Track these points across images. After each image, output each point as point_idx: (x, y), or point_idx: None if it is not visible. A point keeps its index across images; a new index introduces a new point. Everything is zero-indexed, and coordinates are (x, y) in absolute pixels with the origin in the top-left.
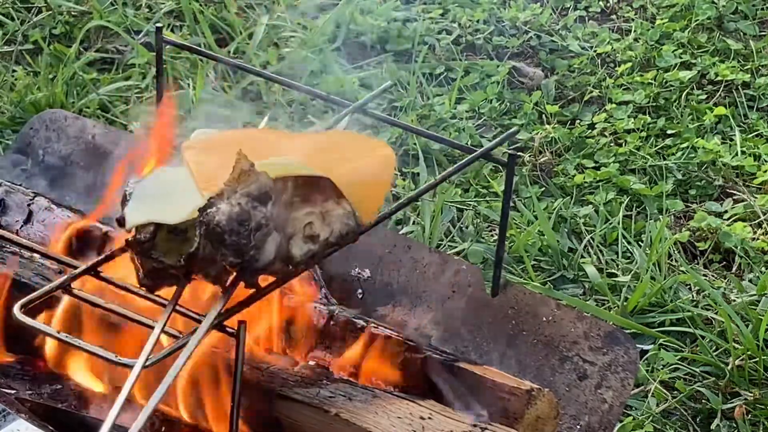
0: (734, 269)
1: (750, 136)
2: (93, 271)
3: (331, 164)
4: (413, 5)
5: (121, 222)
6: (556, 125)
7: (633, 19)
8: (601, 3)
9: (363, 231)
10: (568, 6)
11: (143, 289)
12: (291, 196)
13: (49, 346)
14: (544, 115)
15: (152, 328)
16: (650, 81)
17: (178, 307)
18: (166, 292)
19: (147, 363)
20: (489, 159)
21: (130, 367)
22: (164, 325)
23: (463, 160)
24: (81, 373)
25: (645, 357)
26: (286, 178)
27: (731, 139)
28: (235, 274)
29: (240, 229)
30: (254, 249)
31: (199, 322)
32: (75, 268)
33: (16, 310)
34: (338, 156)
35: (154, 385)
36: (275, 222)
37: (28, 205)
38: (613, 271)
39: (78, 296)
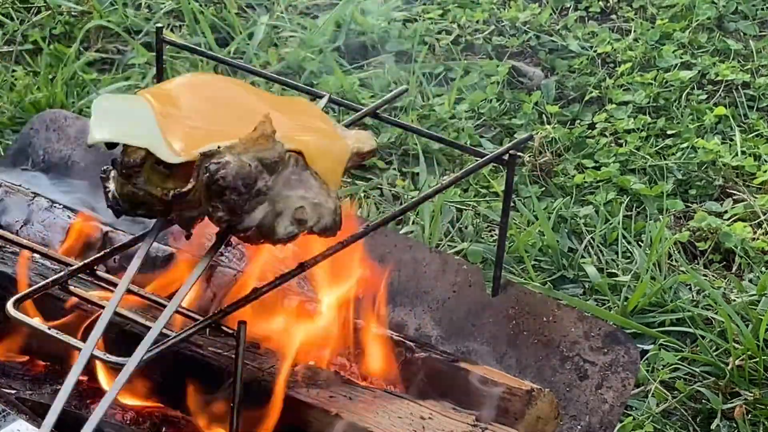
0: (734, 269)
1: (750, 136)
2: (89, 269)
3: (298, 131)
4: (413, 5)
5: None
6: (556, 125)
7: (633, 19)
8: (601, 3)
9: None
10: (568, 6)
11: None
12: (290, 173)
13: None
14: (544, 115)
15: (149, 327)
16: (650, 81)
17: (179, 308)
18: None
19: (139, 363)
20: (489, 159)
21: (121, 366)
22: (165, 324)
23: (473, 165)
24: None
25: (645, 357)
26: (291, 152)
27: (731, 139)
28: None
29: (243, 189)
30: (245, 212)
31: (195, 320)
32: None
33: (9, 305)
34: (304, 124)
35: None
36: (271, 193)
37: (28, 205)
38: (613, 271)
39: (73, 293)
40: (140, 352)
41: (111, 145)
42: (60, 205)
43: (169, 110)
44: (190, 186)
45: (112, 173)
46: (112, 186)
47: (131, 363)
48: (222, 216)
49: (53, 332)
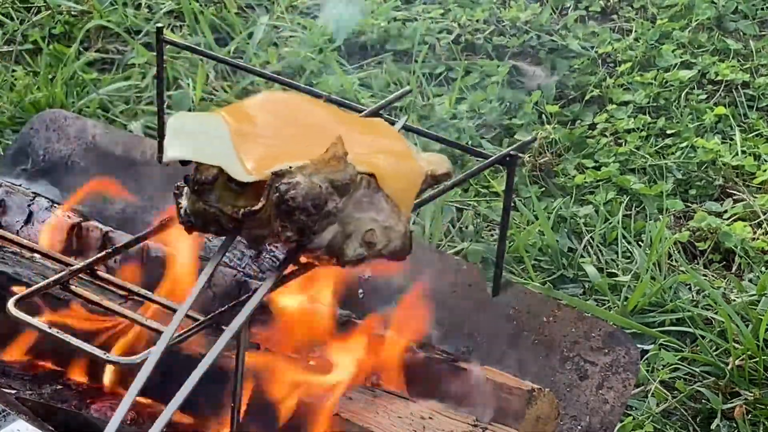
0: (734, 269)
1: (750, 135)
2: (89, 269)
3: (376, 155)
4: (413, 5)
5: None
6: (556, 125)
7: (633, 19)
8: (601, 3)
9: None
10: (569, 6)
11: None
12: (362, 195)
13: None
14: (544, 115)
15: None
16: (650, 81)
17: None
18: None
19: (137, 360)
20: (492, 162)
21: (121, 365)
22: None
23: (474, 168)
24: None
25: (645, 357)
26: (363, 174)
27: (731, 139)
28: (285, 253)
29: (312, 210)
30: (314, 233)
31: (195, 320)
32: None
33: (10, 305)
34: (380, 146)
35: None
36: (341, 215)
37: (28, 205)
38: (613, 270)
39: (74, 292)
40: (155, 356)
41: (184, 162)
42: (60, 205)
43: (245, 128)
44: (260, 205)
45: (185, 190)
46: (184, 202)
47: (149, 364)
48: (291, 236)
49: (54, 332)
